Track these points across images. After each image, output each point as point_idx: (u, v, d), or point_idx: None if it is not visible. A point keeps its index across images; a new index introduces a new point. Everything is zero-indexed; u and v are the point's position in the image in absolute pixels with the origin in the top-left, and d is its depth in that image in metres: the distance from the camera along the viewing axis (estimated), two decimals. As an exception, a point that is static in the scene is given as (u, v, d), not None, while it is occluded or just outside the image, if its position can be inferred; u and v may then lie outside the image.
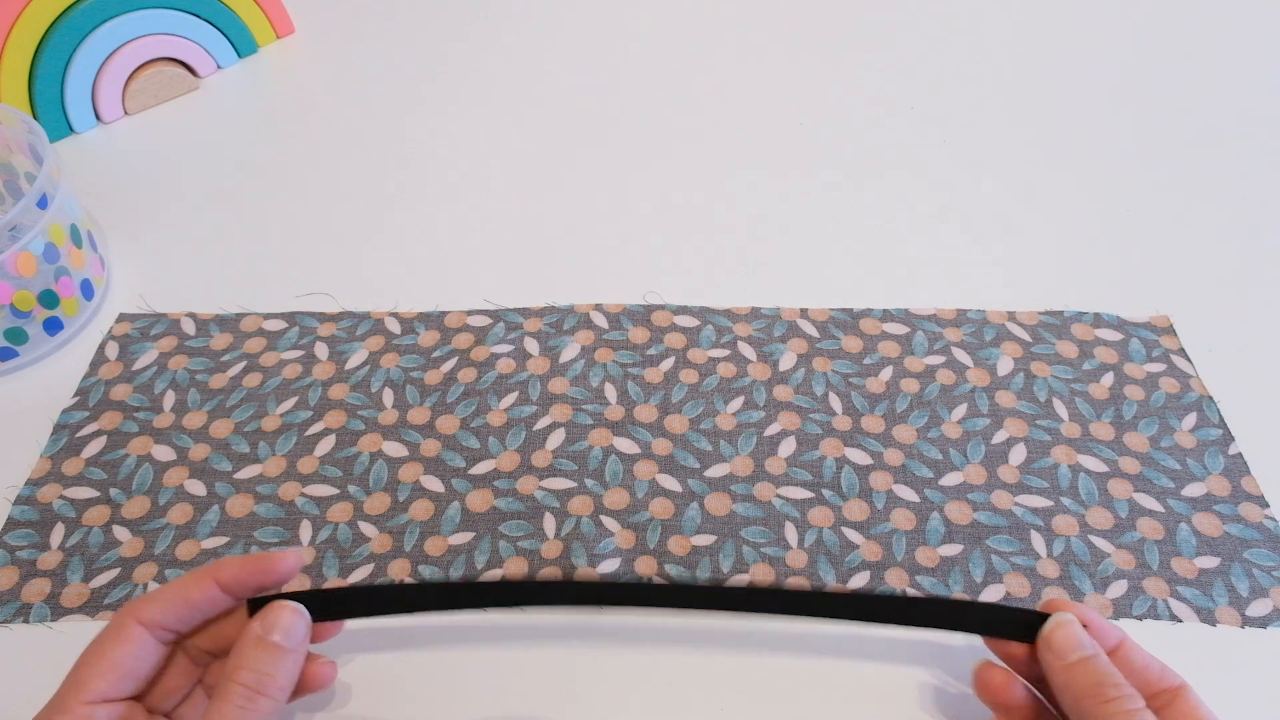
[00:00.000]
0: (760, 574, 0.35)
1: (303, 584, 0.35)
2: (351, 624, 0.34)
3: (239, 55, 0.62)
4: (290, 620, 0.28)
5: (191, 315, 0.45)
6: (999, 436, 0.39)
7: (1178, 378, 0.42)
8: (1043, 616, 0.28)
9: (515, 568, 0.35)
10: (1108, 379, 0.42)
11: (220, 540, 0.36)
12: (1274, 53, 0.61)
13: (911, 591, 0.35)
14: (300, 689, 0.29)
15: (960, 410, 0.40)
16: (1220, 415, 0.40)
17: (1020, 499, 0.37)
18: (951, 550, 0.36)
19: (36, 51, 0.53)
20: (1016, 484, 0.38)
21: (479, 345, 0.43)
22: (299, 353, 0.43)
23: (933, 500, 0.37)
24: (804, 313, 0.44)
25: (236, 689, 0.27)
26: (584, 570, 0.35)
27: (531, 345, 0.43)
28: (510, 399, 0.41)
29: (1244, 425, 0.40)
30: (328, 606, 0.30)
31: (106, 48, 0.55)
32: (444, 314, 0.45)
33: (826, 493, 0.37)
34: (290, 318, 0.45)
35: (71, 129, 0.56)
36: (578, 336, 0.43)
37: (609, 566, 0.35)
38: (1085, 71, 0.60)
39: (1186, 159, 0.53)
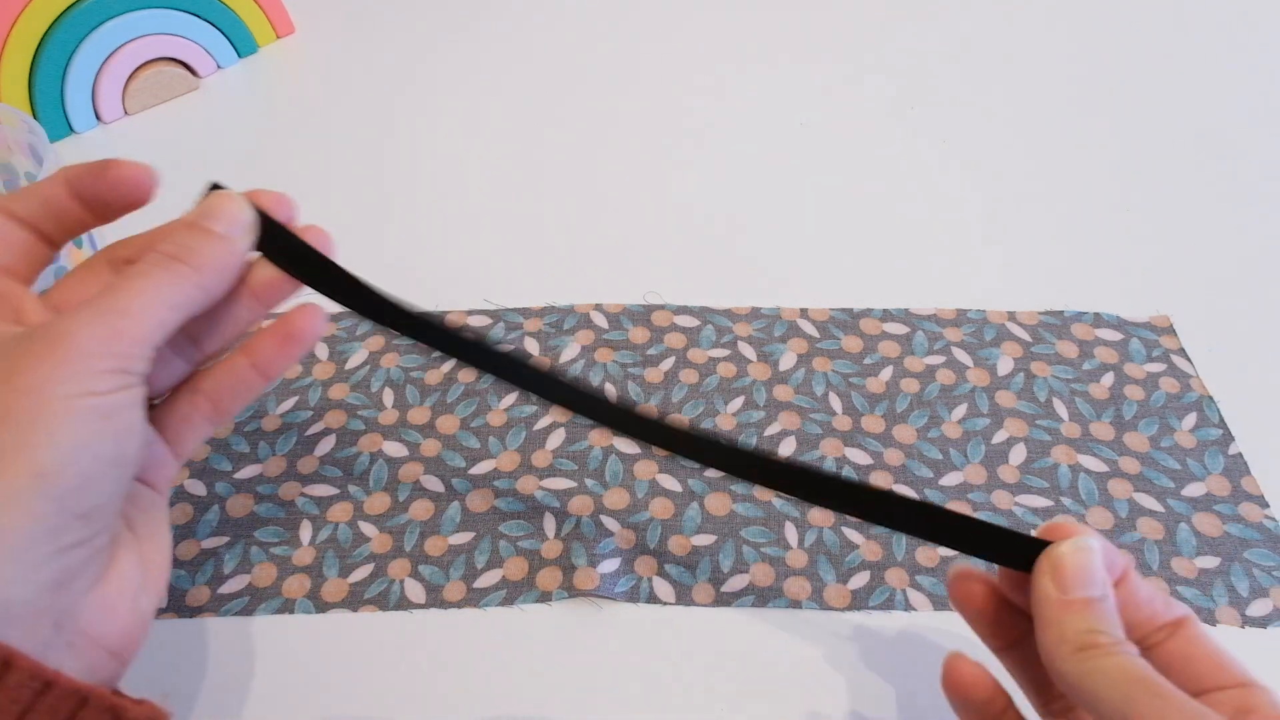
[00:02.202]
0: (760, 574, 0.35)
1: (302, 585, 0.35)
2: (348, 624, 0.34)
3: (239, 55, 0.62)
4: (234, 209, 0.26)
5: (191, 315, 0.45)
6: (999, 436, 0.39)
7: (1178, 378, 0.42)
8: (1043, 545, 0.25)
9: (515, 568, 0.35)
10: (1108, 379, 0.42)
11: (220, 540, 0.36)
12: (1274, 52, 0.61)
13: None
14: (279, 342, 0.28)
15: (960, 410, 0.40)
16: (1220, 415, 0.40)
17: (1020, 499, 0.37)
18: (952, 550, 0.36)
19: (36, 51, 0.53)
20: (1016, 484, 0.38)
21: (479, 345, 0.43)
22: (299, 353, 0.43)
23: (933, 500, 0.37)
24: (804, 313, 0.44)
25: (154, 256, 0.24)
26: (584, 570, 0.35)
27: (531, 345, 0.43)
28: (510, 398, 0.41)
29: (1244, 425, 0.40)
30: (300, 257, 0.28)
31: (106, 48, 0.55)
32: (444, 314, 0.45)
33: (826, 493, 0.37)
34: (290, 318, 0.45)
35: (71, 129, 0.56)
36: (578, 336, 0.43)
37: (609, 566, 0.35)
38: (1085, 71, 0.60)
39: (1187, 159, 0.53)
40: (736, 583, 0.35)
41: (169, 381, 0.28)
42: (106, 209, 0.27)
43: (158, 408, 0.27)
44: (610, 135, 0.56)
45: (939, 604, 0.34)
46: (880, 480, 0.38)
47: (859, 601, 0.35)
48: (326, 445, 0.39)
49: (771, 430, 0.40)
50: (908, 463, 0.38)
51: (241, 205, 0.26)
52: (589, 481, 0.38)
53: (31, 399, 0.21)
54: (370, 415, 0.40)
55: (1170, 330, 0.44)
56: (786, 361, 0.42)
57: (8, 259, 0.26)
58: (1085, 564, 0.23)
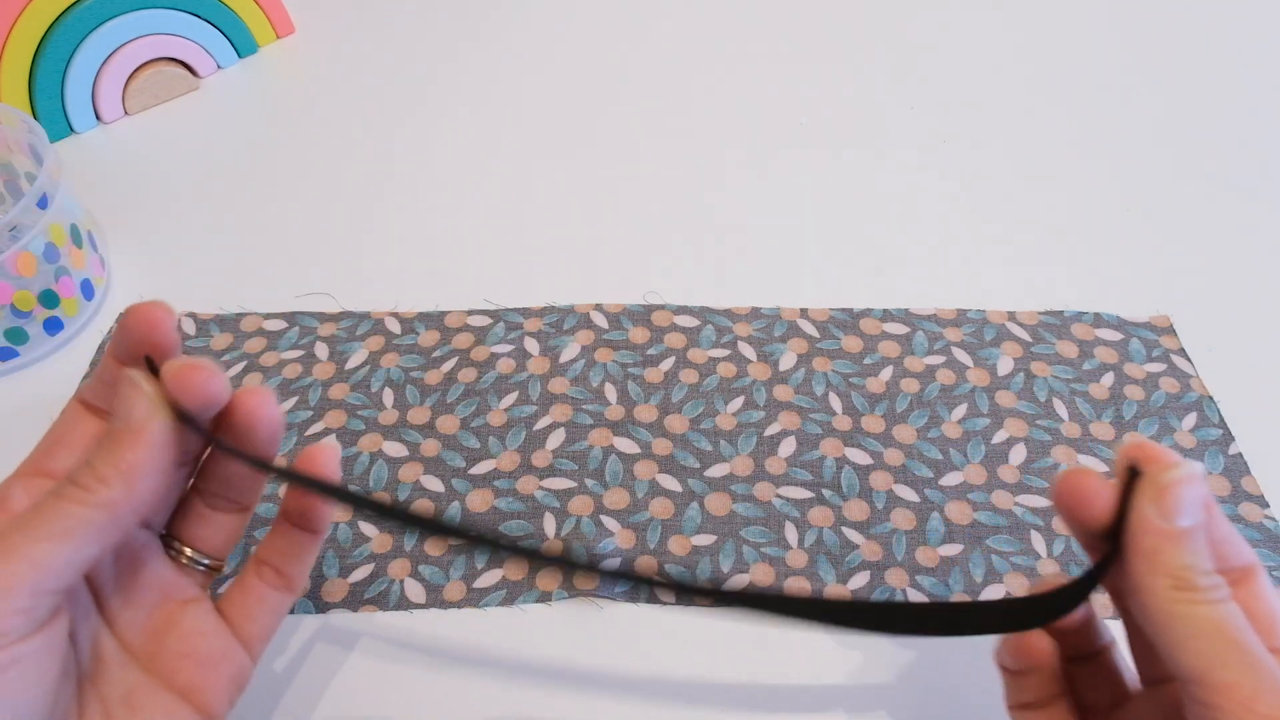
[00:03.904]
0: (760, 574, 0.35)
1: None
2: (348, 624, 0.34)
3: (239, 55, 0.62)
4: (128, 398, 0.22)
5: (191, 315, 0.45)
6: (999, 436, 0.39)
7: (1178, 378, 0.42)
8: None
9: (515, 567, 0.35)
10: (1108, 379, 0.42)
11: (220, 540, 0.36)
12: (1274, 52, 0.61)
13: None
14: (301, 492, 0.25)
15: (960, 410, 0.40)
16: (1220, 415, 0.40)
17: (1020, 499, 0.37)
18: (951, 550, 0.36)
19: (36, 51, 0.53)
20: (1017, 484, 0.38)
21: (479, 345, 0.43)
22: (299, 353, 0.43)
23: (933, 500, 0.37)
24: (804, 313, 0.44)
25: (53, 487, 0.22)
26: (584, 570, 0.35)
27: (531, 345, 0.43)
28: (510, 399, 0.41)
29: (1244, 425, 0.40)
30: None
31: (106, 48, 0.55)
32: (444, 314, 0.45)
33: (826, 492, 0.37)
34: (290, 318, 0.45)
35: (71, 129, 0.56)
36: (578, 336, 0.43)
37: (609, 566, 0.35)
38: (1085, 71, 0.60)
39: (1187, 159, 0.53)
40: (736, 583, 0.35)
41: (228, 545, 0.26)
42: (142, 360, 0.24)
43: (227, 589, 0.26)
44: (610, 135, 0.56)
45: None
46: (880, 480, 0.38)
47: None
48: (326, 445, 0.39)
49: (771, 430, 0.40)
50: (908, 463, 0.38)
51: (135, 392, 0.22)
52: (589, 481, 0.38)
53: None
54: (370, 415, 0.40)
55: (1170, 330, 0.44)
56: (786, 361, 0.42)
57: (70, 460, 0.24)
58: (1191, 495, 0.21)
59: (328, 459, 0.25)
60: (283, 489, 0.26)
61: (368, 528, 0.37)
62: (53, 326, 0.43)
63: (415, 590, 0.35)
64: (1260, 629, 0.22)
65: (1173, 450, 0.23)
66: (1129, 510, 0.22)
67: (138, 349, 0.23)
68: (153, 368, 0.23)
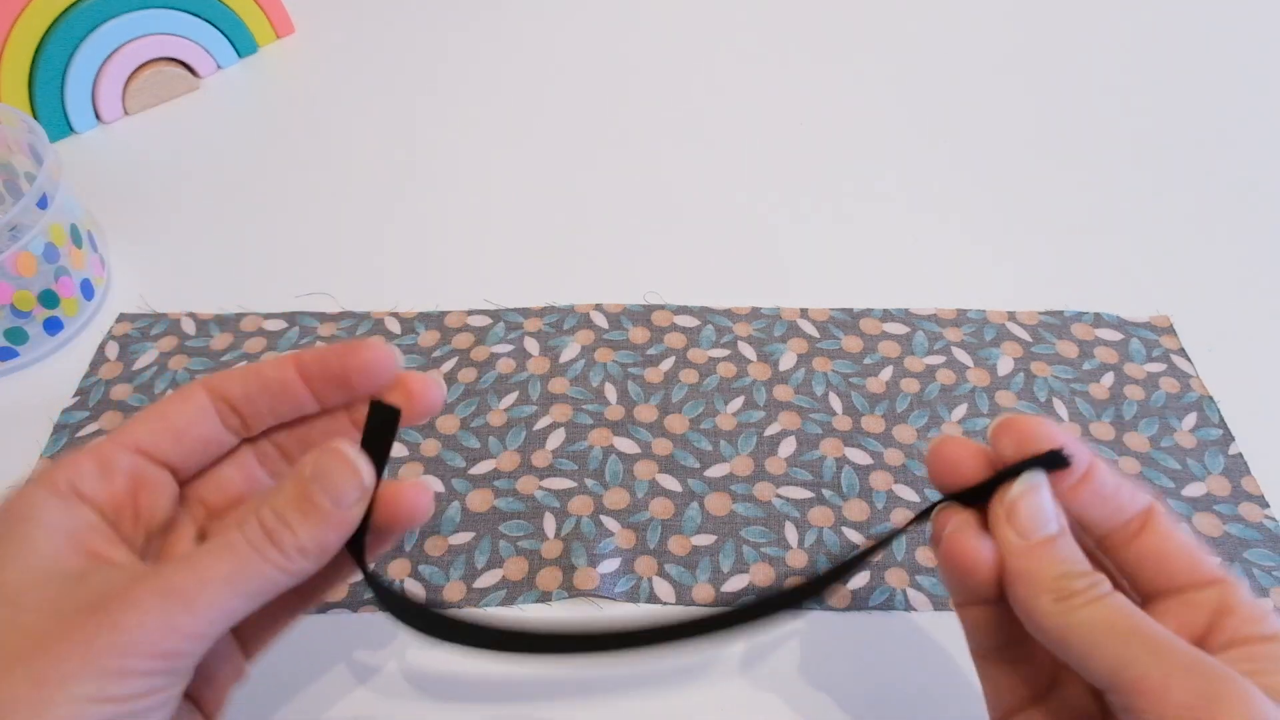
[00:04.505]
0: (760, 574, 0.35)
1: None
2: (348, 624, 0.34)
3: (239, 55, 0.62)
4: (344, 482, 0.22)
5: (191, 315, 0.45)
6: (999, 436, 0.39)
7: (1178, 378, 0.42)
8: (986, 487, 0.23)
9: (515, 568, 0.35)
10: (1108, 379, 0.42)
11: (220, 540, 0.36)
12: (1273, 53, 0.61)
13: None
14: (382, 532, 0.24)
15: (960, 410, 0.40)
16: (1220, 415, 0.40)
17: (1020, 499, 0.37)
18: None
19: (36, 51, 0.53)
20: (1016, 484, 0.38)
21: (479, 345, 0.43)
22: (299, 353, 0.43)
23: (933, 500, 0.37)
24: (804, 313, 0.44)
25: (252, 525, 0.21)
26: (584, 570, 0.35)
27: (531, 345, 0.43)
28: (510, 399, 0.41)
29: (1244, 425, 0.40)
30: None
31: (106, 48, 0.55)
32: (444, 314, 0.45)
33: (827, 492, 0.37)
34: (290, 318, 0.45)
35: (71, 129, 0.56)
36: (578, 336, 0.43)
37: (609, 566, 0.35)
38: (1085, 71, 0.60)
39: (1187, 158, 0.53)
40: (736, 583, 0.35)
41: None
42: (340, 393, 0.24)
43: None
44: (610, 135, 0.56)
45: (939, 604, 0.34)
46: (880, 480, 0.38)
47: (859, 601, 0.34)
48: (326, 445, 0.39)
49: (771, 430, 0.40)
50: (908, 463, 0.38)
51: (352, 478, 0.22)
52: (589, 481, 0.38)
53: (38, 693, 0.18)
54: (370, 415, 0.40)
55: (1170, 330, 0.44)
56: (786, 361, 0.42)
57: (197, 455, 0.23)
58: (1038, 505, 0.21)
59: (417, 502, 0.24)
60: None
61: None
62: (52, 326, 0.43)
63: (415, 590, 0.35)
64: (1178, 566, 0.21)
65: (1032, 416, 0.22)
66: (995, 528, 0.22)
67: (338, 381, 0.23)
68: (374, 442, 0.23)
